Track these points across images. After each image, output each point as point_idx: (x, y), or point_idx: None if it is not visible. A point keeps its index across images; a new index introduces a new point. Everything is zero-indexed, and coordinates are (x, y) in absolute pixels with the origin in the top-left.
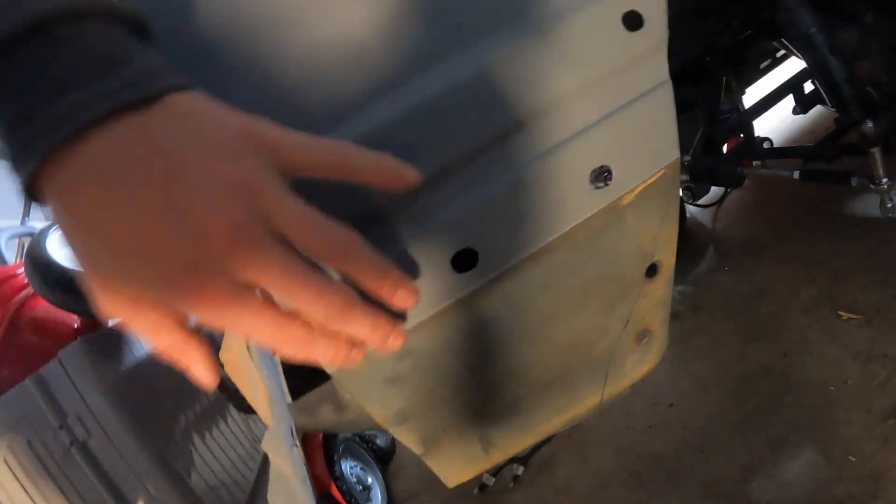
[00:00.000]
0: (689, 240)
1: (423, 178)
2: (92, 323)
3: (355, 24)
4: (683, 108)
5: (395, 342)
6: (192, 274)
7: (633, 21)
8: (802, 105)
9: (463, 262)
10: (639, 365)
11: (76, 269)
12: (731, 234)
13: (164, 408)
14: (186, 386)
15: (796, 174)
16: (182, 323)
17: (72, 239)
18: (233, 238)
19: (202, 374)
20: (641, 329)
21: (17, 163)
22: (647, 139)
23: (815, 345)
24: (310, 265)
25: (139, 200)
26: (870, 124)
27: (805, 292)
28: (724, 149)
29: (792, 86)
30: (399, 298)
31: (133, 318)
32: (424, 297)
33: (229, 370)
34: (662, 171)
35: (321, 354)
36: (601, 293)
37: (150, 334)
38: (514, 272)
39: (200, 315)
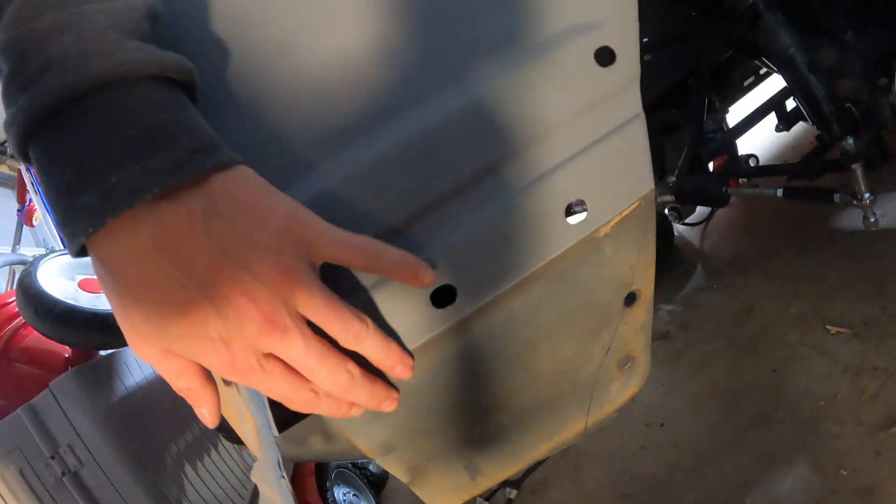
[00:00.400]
0: (678, 259)
1: (435, 277)
2: (83, 353)
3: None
4: (668, 129)
5: (389, 406)
6: (224, 347)
7: (605, 57)
8: (785, 122)
9: (442, 297)
10: (623, 390)
11: (67, 301)
12: (719, 251)
13: (156, 437)
14: (177, 415)
15: (779, 192)
16: (202, 372)
17: (112, 296)
18: (265, 327)
19: (209, 416)
20: (623, 355)
21: (65, 227)
22: (622, 172)
23: (804, 360)
24: (324, 344)
25: (182, 283)
26: (851, 141)
27: (793, 308)
28: (711, 167)
29: (774, 103)
30: (397, 372)
31: (159, 363)
32: (404, 333)
33: (221, 401)
34: (637, 203)
35: (324, 411)
36: (581, 323)
37: (173, 378)
38: (493, 306)
39: (225, 376)
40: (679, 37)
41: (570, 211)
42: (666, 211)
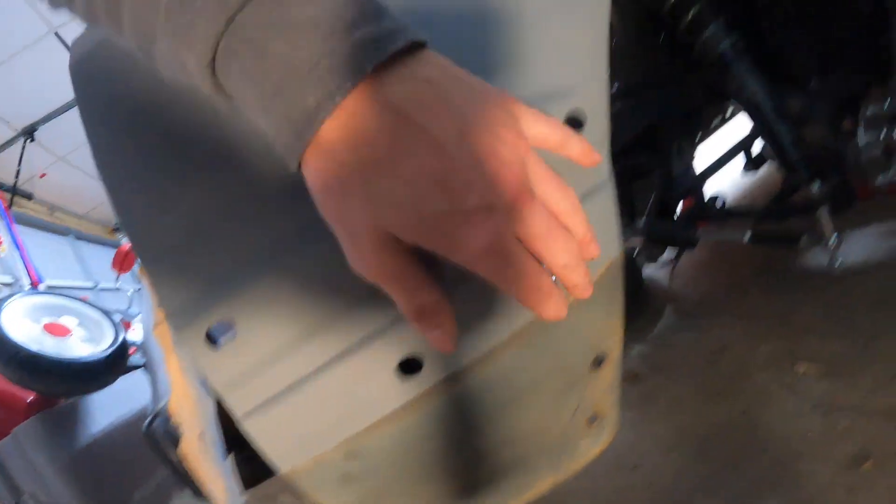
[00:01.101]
0: (647, 300)
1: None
2: (46, 399)
3: None
4: (637, 173)
5: (587, 291)
6: (488, 216)
7: (575, 122)
8: (752, 164)
9: (409, 367)
10: (592, 446)
11: (31, 346)
12: (688, 291)
13: (118, 485)
14: (140, 463)
15: (747, 237)
16: (441, 286)
17: (354, 182)
18: (520, 191)
19: (448, 336)
20: (592, 413)
21: (333, 73)
22: None
23: (775, 400)
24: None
25: (437, 148)
26: (817, 186)
27: (763, 347)
28: (680, 208)
29: (741, 147)
30: (592, 249)
31: (402, 272)
32: (371, 402)
33: (189, 460)
34: (605, 269)
35: (555, 301)
36: (550, 386)
37: (413, 293)
38: (461, 375)
39: (483, 261)
40: (649, 83)
41: None
42: (635, 254)
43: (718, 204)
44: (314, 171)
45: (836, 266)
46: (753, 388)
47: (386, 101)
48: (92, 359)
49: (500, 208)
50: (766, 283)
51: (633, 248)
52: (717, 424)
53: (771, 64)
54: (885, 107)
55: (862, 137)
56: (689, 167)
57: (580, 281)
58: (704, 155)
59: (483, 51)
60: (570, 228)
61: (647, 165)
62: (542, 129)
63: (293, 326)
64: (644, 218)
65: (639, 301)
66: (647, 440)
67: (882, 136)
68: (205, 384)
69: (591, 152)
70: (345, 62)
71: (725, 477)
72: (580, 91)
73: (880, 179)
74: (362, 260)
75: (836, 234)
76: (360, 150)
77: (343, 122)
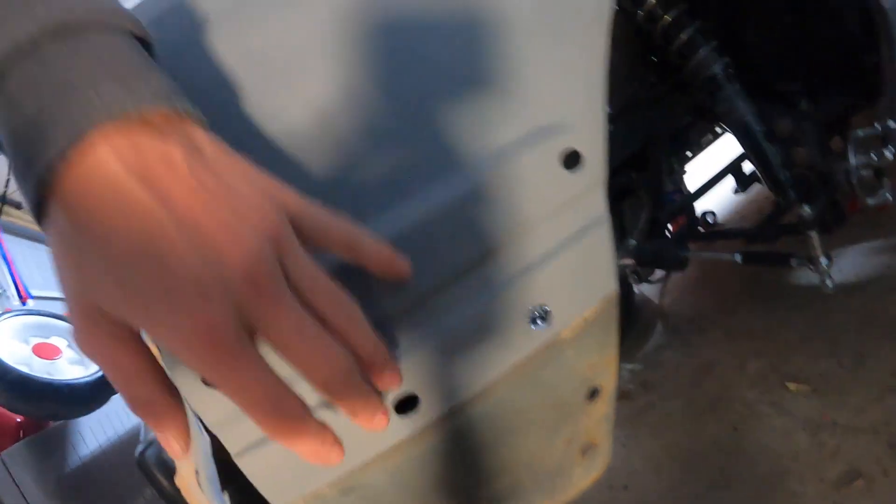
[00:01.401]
0: (637, 318)
1: (411, 270)
2: (34, 422)
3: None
4: (627, 193)
5: (381, 421)
6: (201, 301)
7: (571, 161)
8: (742, 185)
9: (405, 404)
10: (585, 475)
11: (21, 367)
12: (678, 309)
13: None
14: (127, 485)
15: (738, 257)
16: (164, 380)
17: (67, 251)
18: (252, 272)
19: (176, 441)
20: (585, 443)
21: (32, 158)
22: (585, 275)
23: (764, 417)
24: (318, 322)
25: (157, 219)
26: (807, 208)
27: (752, 365)
28: (671, 228)
29: (731, 168)
30: (385, 378)
31: (112, 357)
32: (367, 439)
33: (185, 494)
34: (600, 305)
35: (308, 441)
36: (544, 419)
37: (127, 382)
38: (456, 411)
39: (191, 354)
40: (640, 105)
41: (533, 314)
42: (626, 272)
43: (709, 222)
44: (47, 221)
45: (828, 288)
46: (742, 406)
47: (119, 153)
48: (82, 381)
49: (220, 298)
50: (754, 300)
51: (625, 267)
52: (707, 443)
53: (761, 85)
54: (876, 129)
55: (852, 159)
56: (680, 186)
57: (356, 407)
58: (695, 174)
59: (477, 86)
60: (351, 347)
61: (636, 184)
62: (320, 225)
63: (287, 365)
64: (635, 238)
65: (629, 319)
66: (637, 459)
67: (872, 159)
68: (198, 421)
69: (393, 262)
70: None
71: (715, 496)
72: (577, 128)
73: (870, 201)
74: (73, 331)
75: (826, 257)
76: (80, 212)
77: (76, 172)
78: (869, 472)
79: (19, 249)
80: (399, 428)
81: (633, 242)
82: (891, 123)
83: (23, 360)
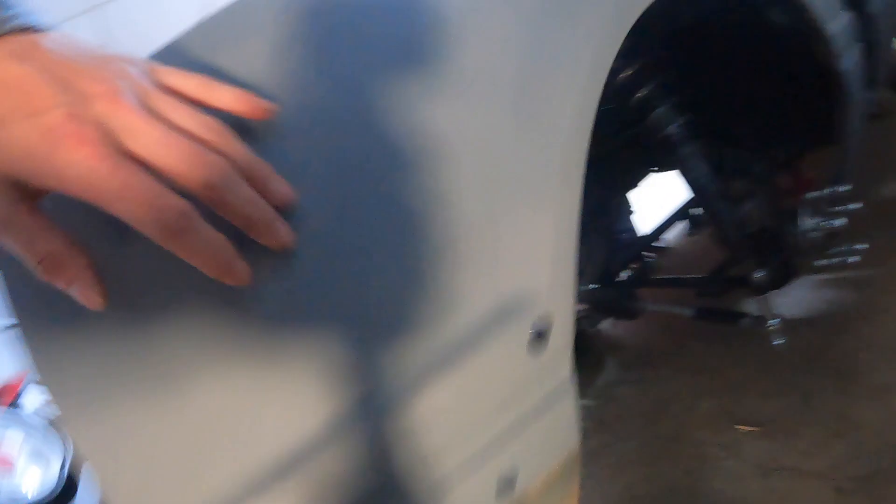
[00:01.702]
0: (586, 348)
1: (276, 107)
2: None
3: None
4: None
5: (283, 232)
6: (71, 122)
7: (539, 340)
8: (696, 228)
9: None
10: None
11: None
12: (630, 342)
13: None
14: None
15: (689, 311)
16: (62, 233)
17: None
18: (115, 98)
19: (91, 289)
20: None
21: None
22: (549, 435)
23: (716, 460)
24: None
25: (30, 74)
26: (759, 273)
27: (703, 404)
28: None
29: (684, 213)
30: (272, 189)
31: (12, 221)
32: None
33: None
34: (564, 459)
35: (197, 241)
36: None
37: (29, 240)
38: None
39: (73, 173)
40: (593, 160)
41: (499, 485)
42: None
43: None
44: None
45: (780, 345)
46: (694, 448)
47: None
48: (45, 492)
49: (87, 115)
50: (702, 335)
51: (577, 313)
52: (662, 486)
53: (716, 132)
54: (824, 193)
55: (803, 221)
56: (632, 231)
57: (248, 211)
58: (647, 218)
59: (445, 253)
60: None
61: (590, 228)
62: (175, 78)
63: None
64: (588, 285)
65: (578, 350)
66: (597, 502)
67: (822, 222)
68: None
69: (253, 99)
70: None
71: None
72: (547, 295)
73: (820, 262)
74: None
75: (776, 319)
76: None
77: None
78: None
79: None
80: None
81: (589, 287)
82: (839, 188)
83: None
